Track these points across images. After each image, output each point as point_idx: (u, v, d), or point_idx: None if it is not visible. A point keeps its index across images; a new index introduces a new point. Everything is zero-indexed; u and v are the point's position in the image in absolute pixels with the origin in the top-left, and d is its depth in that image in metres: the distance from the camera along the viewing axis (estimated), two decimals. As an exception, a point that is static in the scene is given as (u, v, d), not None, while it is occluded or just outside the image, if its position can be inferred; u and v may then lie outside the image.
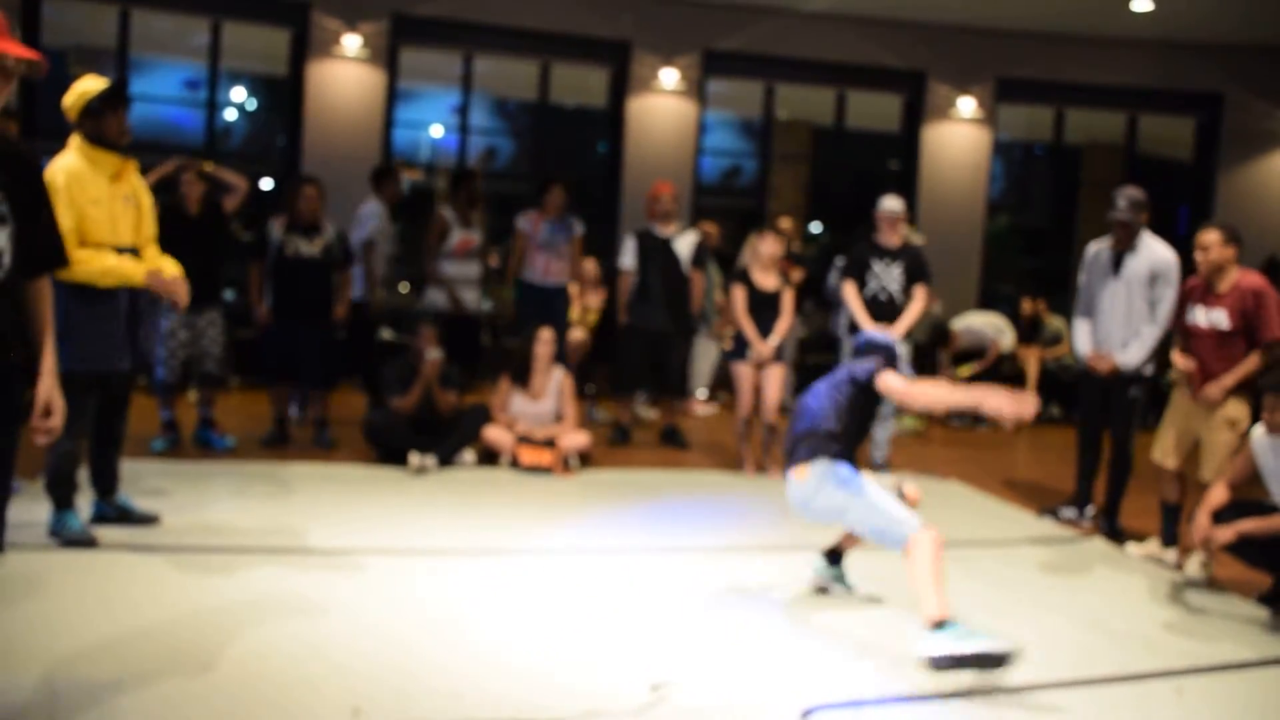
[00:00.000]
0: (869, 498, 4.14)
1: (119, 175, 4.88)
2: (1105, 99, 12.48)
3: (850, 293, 7.44)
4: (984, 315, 10.76)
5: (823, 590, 4.73)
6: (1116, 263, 6.19)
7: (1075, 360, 6.55)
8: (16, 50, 3.14)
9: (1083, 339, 6.39)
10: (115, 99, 4.84)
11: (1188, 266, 5.85)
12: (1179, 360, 5.76)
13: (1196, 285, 5.72)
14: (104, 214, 4.75)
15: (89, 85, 4.84)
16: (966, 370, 10.16)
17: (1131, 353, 6.13)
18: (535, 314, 8.14)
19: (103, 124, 4.80)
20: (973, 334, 10.45)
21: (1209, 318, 5.60)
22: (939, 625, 3.77)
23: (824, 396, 4.43)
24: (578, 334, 10.07)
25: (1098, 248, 6.38)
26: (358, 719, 3.22)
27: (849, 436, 4.36)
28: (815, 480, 4.24)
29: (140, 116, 12.74)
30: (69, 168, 4.70)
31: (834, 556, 4.76)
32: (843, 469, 4.23)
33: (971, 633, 3.76)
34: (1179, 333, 5.85)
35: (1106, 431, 6.41)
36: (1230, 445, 5.47)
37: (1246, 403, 5.52)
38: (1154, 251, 6.12)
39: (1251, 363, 5.44)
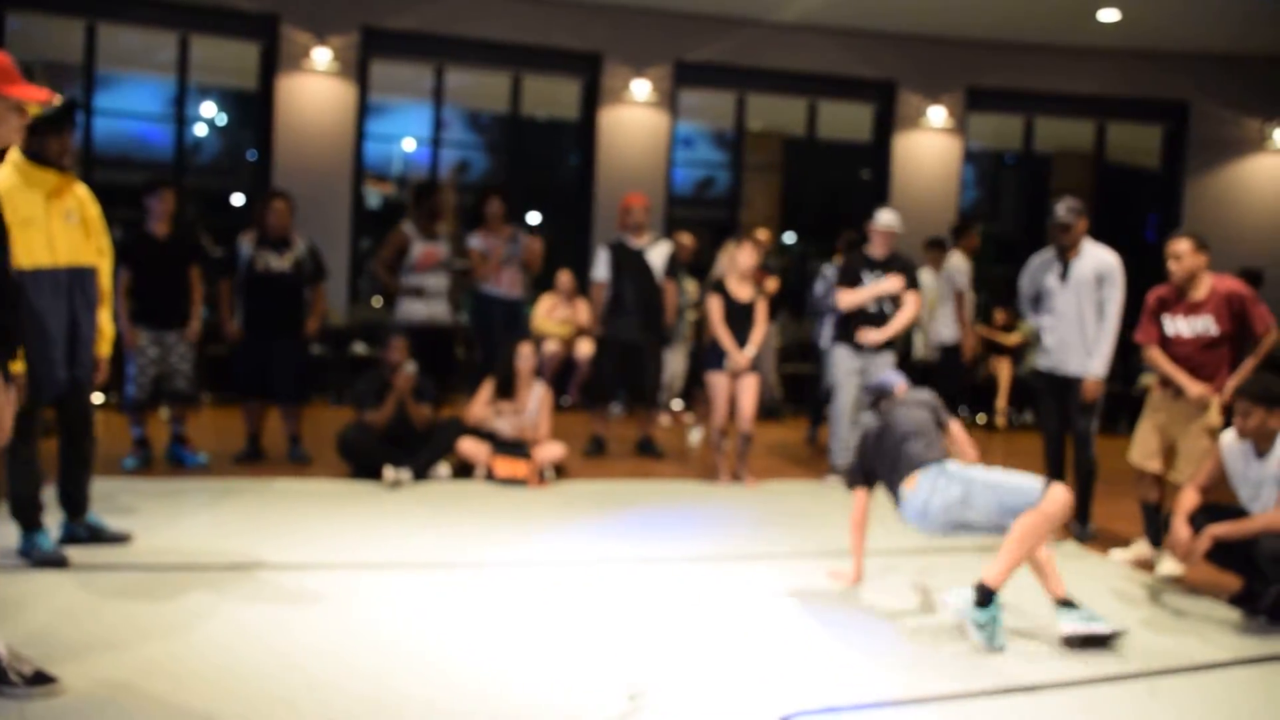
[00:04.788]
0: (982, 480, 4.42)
1: (58, 192, 4.73)
2: (1074, 108, 12.61)
3: (848, 298, 7.47)
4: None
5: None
6: (1063, 270, 6.37)
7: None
8: (32, 94, 3.47)
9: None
10: (59, 119, 4.68)
11: (1158, 273, 5.92)
12: (1164, 366, 5.78)
13: (1167, 296, 5.80)
14: (39, 234, 4.60)
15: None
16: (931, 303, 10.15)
17: (1097, 364, 6.26)
18: (499, 326, 8.09)
19: (44, 142, 4.64)
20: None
21: (1192, 326, 5.69)
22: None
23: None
24: (551, 346, 10.08)
25: (1042, 258, 6.55)
26: (332, 735, 3.21)
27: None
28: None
29: (109, 132, 12.72)
30: (2, 185, 4.53)
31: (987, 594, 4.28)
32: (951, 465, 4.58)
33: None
34: (1155, 343, 5.86)
35: (1068, 436, 6.49)
36: (1206, 451, 5.53)
37: (1221, 410, 5.63)
38: (1096, 256, 6.32)
39: (1263, 351, 5.63)
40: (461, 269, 8.43)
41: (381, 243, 8.04)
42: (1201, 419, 5.62)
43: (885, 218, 7.54)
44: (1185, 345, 5.71)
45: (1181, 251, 5.66)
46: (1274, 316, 5.65)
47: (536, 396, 7.27)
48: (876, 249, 7.53)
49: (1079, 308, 6.31)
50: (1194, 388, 5.61)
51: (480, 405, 7.21)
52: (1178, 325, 5.74)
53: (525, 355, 7.22)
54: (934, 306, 9.98)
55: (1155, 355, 5.83)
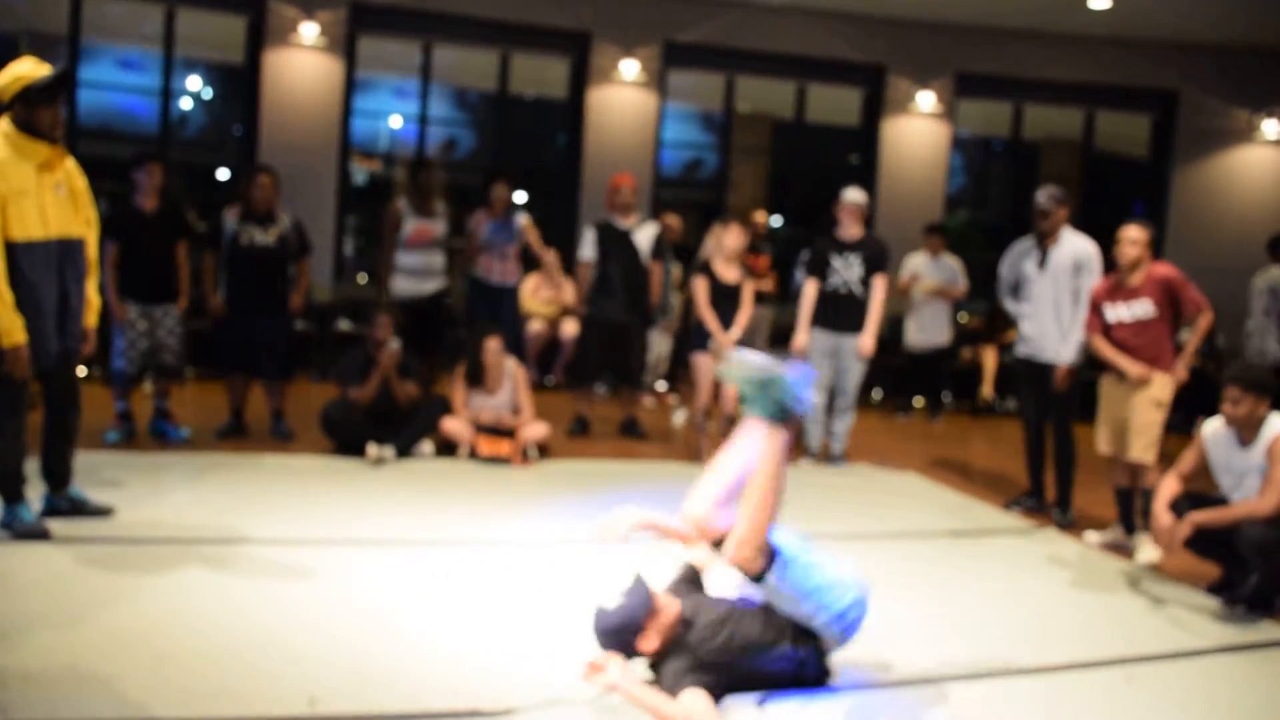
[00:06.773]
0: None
1: (49, 164, 4.68)
2: (1063, 95, 12.59)
3: (808, 292, 7.51)
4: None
5: None
6: (1042, 258, 6.48)
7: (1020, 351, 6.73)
8: None
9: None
10: (51, 90, 4.61)
11: None
12: (1106, 352, 5.97)
13: (1107, 286, 6.02)
14: (32, 205, 4.56)
15: (26, 70, 4.61)
16: (929, 286, 10.16)
17: (1069, 351, 6.35)
18: (482, 312, 8.07)
19: (35, 114, 4.58)
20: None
21: (1132, 310, 5.89)
22: None
23: None
24: (536, 325, 10.07)
25: (1022, 245, 6.69)
26: (314, 708, 3.21)
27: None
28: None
29: (93, 104, 12.62)
30: None
31: None
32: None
33: None
34: (1099, 333, 6.05)
35: (1048, 423, 6.56)
36: (1157, 424, 5.78)
37: (1171, 386, 5.86)
38: (1075, 244, 6.43)
39: (1200, 331, 5.85)
40: (459, 248, 8.41)
41: (381, 222, 8.01)
42: (1144, 392, 5.79)
43: (852, 195, 7.61)
44: (1126, 329, 5.92)
45: (1137, 238, 5.87)
46: (1204, 298, 5.86)
47: (509, 380, 7.24)
48: (848, 230, 7.55)
49: (1055, 295, 6.42)
50: (1133, 369, 5.83)
51: (459, 405, 7.15)
52: (1118, 311, 5.95)
53: (492, 350, 7.11)
54: (928, 293, 10.01)
55: (1098, 343, 6.05)
